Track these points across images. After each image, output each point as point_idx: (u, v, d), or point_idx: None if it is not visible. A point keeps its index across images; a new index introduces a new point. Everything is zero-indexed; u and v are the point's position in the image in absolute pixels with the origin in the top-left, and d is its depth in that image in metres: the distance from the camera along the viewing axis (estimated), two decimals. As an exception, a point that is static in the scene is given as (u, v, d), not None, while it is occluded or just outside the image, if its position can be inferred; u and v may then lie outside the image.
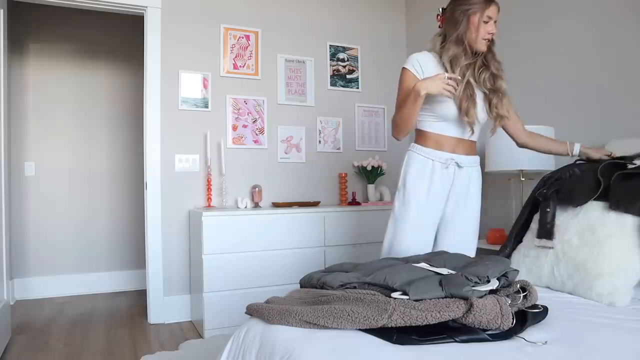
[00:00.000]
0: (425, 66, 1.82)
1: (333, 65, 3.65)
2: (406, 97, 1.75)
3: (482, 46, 1.80)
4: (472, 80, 1.83)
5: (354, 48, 3.72)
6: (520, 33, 2.82)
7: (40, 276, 3.88)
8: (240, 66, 3.35)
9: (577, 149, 1.92)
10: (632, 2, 2.23)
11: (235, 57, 3.34)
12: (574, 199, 1.71)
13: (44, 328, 3.00)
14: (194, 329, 2.96)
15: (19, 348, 2.62)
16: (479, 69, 1.85)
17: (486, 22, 1.78)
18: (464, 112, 1.78)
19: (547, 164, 2.43)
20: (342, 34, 3.69)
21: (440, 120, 1.84)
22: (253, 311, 1.37)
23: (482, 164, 2.81)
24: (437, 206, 1.87)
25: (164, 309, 3.10)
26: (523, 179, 2.56)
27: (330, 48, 3.63)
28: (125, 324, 3.09)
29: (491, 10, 1.78)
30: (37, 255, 3.89)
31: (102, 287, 4.04)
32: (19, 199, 3.85)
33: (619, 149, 2.00)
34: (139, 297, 3.76)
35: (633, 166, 1.69)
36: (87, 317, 3.26)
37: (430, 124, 1.86)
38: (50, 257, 3.92)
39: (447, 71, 1.78)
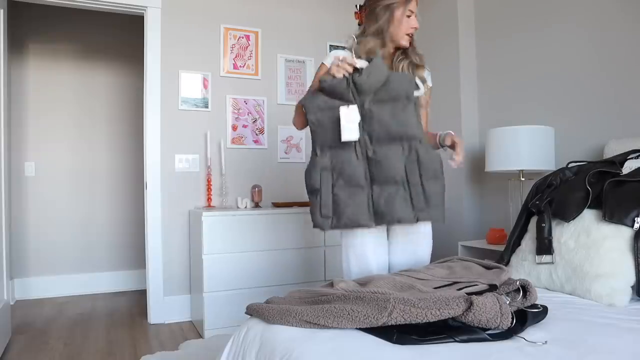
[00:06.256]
0: None
1: (333, 65, 3.64)
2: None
3: (404, 41, 1.83)
4: None
5: (354, 48, 3.72)
6: (521, 33, 2.82)
7: (40, 276, 3.88)
8: (240, 66, 3.35)
9: (440, 137, 1.87)
10: (631, 3, 2.23)
11: (235, 57, 3.34)
12: (566, 213, 1.68)
13: (44, 328, 3.00)
14: (194, 329, 2.96)
15: (19, 348, 2.62)
16: (397, 59, 1.88)
17: (408, 17, 1.80)
18: None
19: (547, 163, 2.43)
20: (342, 34, 3.66)
21: None
22: (253, 311, 1.37)
23: (482, 164, 2.81)
24: None
25: (164, 309, 3.10)
26: (523, 179, 2.55)
27: (330, 48, 3.63)
28: (125, 324, 3.09)
29: (412, 5, 1.81)
30: (37, 255, 3.89)
31: (102, 287, 4.04)
32: (19, 199, 3.85)
33: (619, 149, 2.00)
34: (139, 297, 3.76)
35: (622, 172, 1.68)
36: (87, 317, 3.26)
37: None
38: (50, 257, 3.92)
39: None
